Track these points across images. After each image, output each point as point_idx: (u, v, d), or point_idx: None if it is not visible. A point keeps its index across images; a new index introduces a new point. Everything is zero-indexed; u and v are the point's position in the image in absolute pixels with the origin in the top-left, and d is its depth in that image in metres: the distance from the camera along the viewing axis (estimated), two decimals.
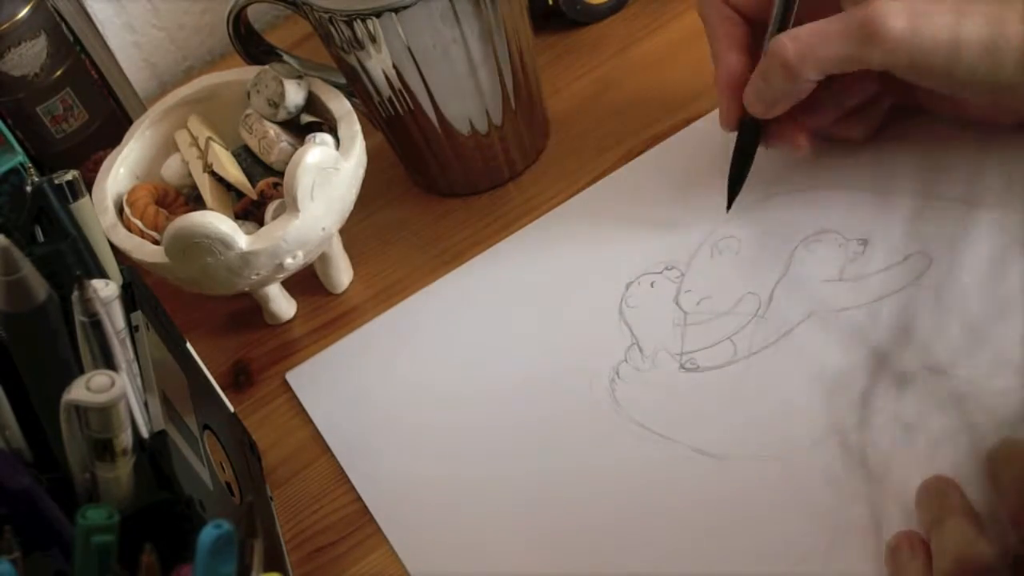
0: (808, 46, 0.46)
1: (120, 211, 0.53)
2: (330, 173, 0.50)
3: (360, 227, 0.59)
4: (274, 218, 0.51)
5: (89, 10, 0.61)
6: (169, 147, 0.56)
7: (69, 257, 0.37)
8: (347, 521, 0.48)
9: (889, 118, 0.51)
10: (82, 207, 0.39)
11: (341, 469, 0.49)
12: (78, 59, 0.59)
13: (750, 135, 0.51)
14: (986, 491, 0.40)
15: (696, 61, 0.60)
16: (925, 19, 0.44)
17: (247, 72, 0.55)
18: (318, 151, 0.49)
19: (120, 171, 0.54)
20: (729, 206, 0.52)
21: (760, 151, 0.51)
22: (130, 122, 0.59)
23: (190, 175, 0.54)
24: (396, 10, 0.49)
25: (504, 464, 0.47)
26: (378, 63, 0.52)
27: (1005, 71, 0.44)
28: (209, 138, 0.54)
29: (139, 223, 0.51)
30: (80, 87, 0.59)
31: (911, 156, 0.51)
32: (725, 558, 0.42)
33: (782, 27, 0.48)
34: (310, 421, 0.52)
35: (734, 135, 0.51)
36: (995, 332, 0.44)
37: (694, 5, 0.63)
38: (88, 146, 0.60)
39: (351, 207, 0.53)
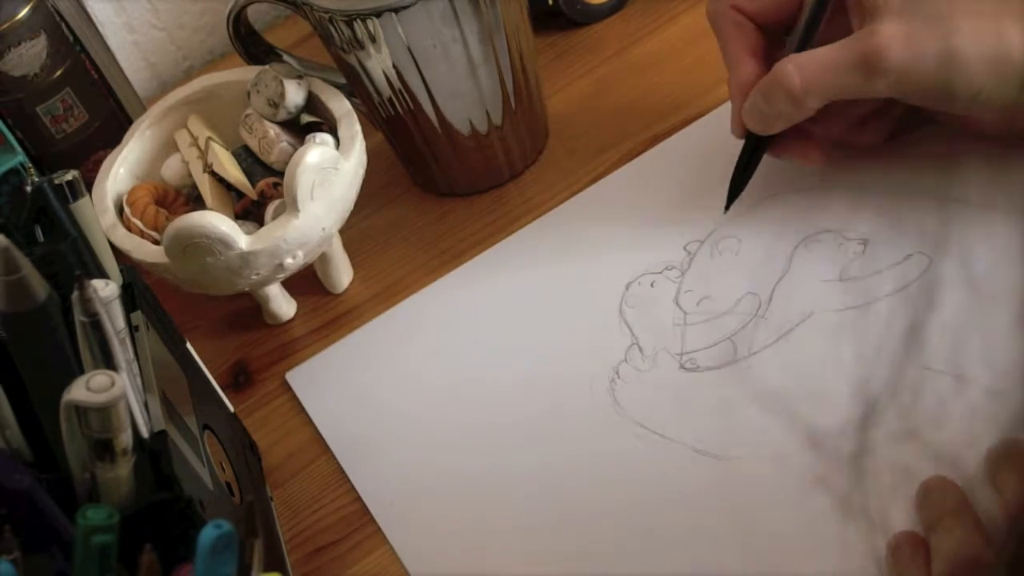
0: (812, 77, 0.45)
1: (120, 211, 0.53)
2: (330, 173, 0.50)
3: (360, 227, 0.59)
4: (274, 218, 0.51)
5: (89, 10, 0.61)
6: (169, 147, 0.56)
7: (69, 257, 0.37)
8: (347, 521, 0.48)
9: (900, 125, 0.51)
10: (82, 207, 0.39)
11: (341, 469, 0.49)
12: (78, 59, 0.59)
13: (757, 144, 0.50)
14: (986, 491, 0.40)
15: (695, 61, 0.60)
16: (926, 45, 0.43)
17: (247, 72, 0.55)
18: (318, 151, 0.49)
19: (120, 171, 0.54)
20: (727, 208, 0.52)
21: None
22: (130, 122, 0.59)
23: (190, 175, 0.54)
24: (396, 10, 0.49)
25: (504, 464, 0.47)
26: (378, 63, 0.52)
27: (1012, 89, 0.43)
28: (209, 138, 0.54)
29: (139, 223, 0.51)
30: (80, 87, 0.59)
31: (913, 156, 0.51)
32: (725, 558, 0.42)
33: (804, 45, 0.47)
34: (310, 421, 0.52)
35: (736, 137, 0.51)
36: (994, 333, 0.44)
37: (694, 5, 0.64)
38: (88, 146, 0.60)
39: (351, 207, 0.53)
